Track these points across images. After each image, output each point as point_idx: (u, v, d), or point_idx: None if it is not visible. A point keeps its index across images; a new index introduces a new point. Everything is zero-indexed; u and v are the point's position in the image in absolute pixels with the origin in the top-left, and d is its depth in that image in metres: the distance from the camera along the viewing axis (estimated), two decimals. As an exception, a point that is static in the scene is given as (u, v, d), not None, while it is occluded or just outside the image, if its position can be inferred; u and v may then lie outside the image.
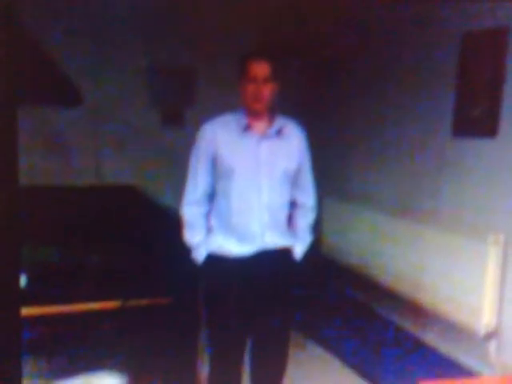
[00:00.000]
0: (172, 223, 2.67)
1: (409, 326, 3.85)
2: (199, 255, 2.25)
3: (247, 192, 2.19)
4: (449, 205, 3.61)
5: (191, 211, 2.27)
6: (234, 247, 2.22)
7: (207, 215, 2.29)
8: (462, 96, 3.49)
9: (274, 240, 2.25)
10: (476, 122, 3.39)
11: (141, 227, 3.05)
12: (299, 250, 2.33)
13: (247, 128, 2.21)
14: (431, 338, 3.65)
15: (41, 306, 2.37)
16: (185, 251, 2.31)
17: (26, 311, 2.30)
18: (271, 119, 2.26)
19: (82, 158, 4.64)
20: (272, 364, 2.40)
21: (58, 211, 3.17)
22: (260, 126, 2.23)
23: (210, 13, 4.52)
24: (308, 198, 2.39)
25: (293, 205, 2.37)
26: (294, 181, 2.31)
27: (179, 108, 4.98)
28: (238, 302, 2.23)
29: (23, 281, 2.33)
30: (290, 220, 2.39)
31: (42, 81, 4.55)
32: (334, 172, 4.64)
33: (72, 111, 4.62)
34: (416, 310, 3.71)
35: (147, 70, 4.81)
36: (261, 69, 2.15)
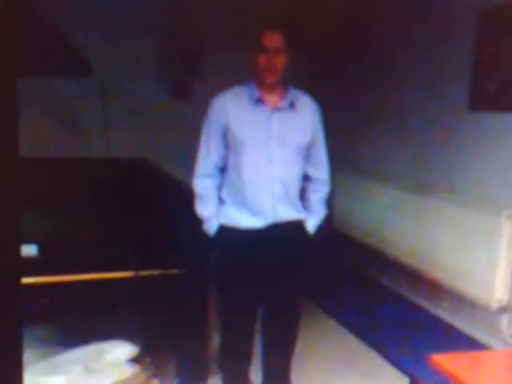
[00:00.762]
0: (183, 195, 2.66)
1: (421, 300, 3.86)
2: (211, 227, 2.25)
3: (258, 165, 2.18)
4: (464, 179, 3.57)
5: (203, 183, 2.26)
6: (246, 220, 2.21)
7: (219, 187, 2.28)
8: (478, 71, 3.43)
9: (285, 213, 2.23)
10: (493, 96, 3.34)
11: (153, 199, 3.05)
12: (312, 223, 2.32)
13: (259, 100, 2.18)
14: (444, 312, 3.65)
15: (53, 274, 2.38)
16: (196, 223, 2.31)
17: (38, 279, 2.35)
18: (284, 92, 2.22)
19: (92, 131, 4.64)
20: (284, 333, 2.41)
21: (71, 183, 3.18)
22: (272, 98, 2.20)
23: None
24: (321, 171, 2.37)
25: (306, 178, 2.36)
26: (306, 154, 2.29)
27: (188, 80, 4.94)
28: (249, 272, 2.22)
29: (35, 249, 2.35)
30: (304, 193, 2.37)
31: (53, 52, 4.53)
32: (347, 146, 4.60)
33: (82, 84, 4.60)
34: (428, 285, 3.71)
35: (156, 43, 4.76)
36: (273, 39, 2.12)
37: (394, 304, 3.92)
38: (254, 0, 4.36)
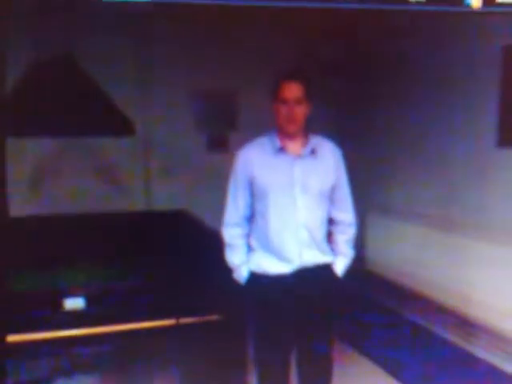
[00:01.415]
0: (221, 245, 2.75)
1: (455, 337, 3.75)
2: (241, 275, 2.32)
3: (283, 212, 2.24)
4: (495, 217, 3.55)
5: (231, 233, 2.35)
6: (273, 266, 2.26)
7: (247, 235, 2.36)
8: (506, 107, 3.46)
9: (312, 258, 2.27)
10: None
11: (191, 248, 3.15)
12: (340, 265, 2.36)
13: (281, 149, 2.26)
14: (478, 349, 3.55)
15: (99, 325, 2.48)
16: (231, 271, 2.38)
17: (85, 331, 2.45)
18: (305, 139, 2.29)
19: (135, 186, 4.84)
20: (318, 376, 2.40)
21: (115, 236, 3.31)
22: (294, 146, 2.28)
23: (249, 36, 4.66)
24: (346, 214, 2.40)
25: (331, 222, 2.40)
26: (331, 198, 2.34)
27: (224, 132, 5.13)
28: (279, 317, 2.26)
29: (82, 302, 2.46)
30: (330, 237, 2.41)
31: (99, 112, 4.82)
32: (375, 187, 4.63)
33: (124, 141, 4.83)
34: (465, 324, 3.63)
35: (191, 97, 4.99)
36: (292, 90, 2.20)
37: (428, 342, 3.83)
38: (283, 48, 4.58)
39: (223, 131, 5.16)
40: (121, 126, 4.89)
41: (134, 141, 4.88)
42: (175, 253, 3.07)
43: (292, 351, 2.36)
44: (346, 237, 2.40)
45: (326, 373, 2.42)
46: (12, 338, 2.34)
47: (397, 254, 4.27)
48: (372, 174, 4.62)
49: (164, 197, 4.80)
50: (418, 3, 2.30)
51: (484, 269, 3.43)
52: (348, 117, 4.81)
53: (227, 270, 2.43)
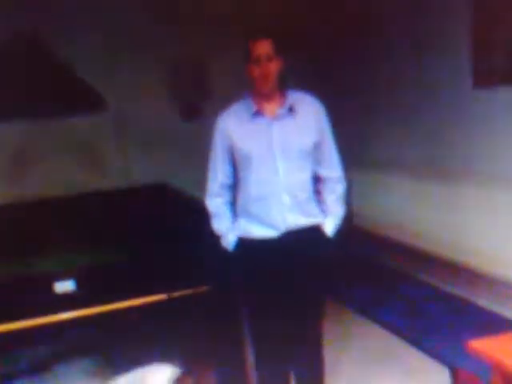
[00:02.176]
0: (202, 213, 2.74)
1: (453, 288, 3.82)
2: (228, 242, 2.32)
3: (264, 177, 2.22)
4: (478, 159, 3.55)
5: (214, 202, 2.34)
6: (258, 231, 2.26)
7: (231, 203, 2.35)
8: (479, 46, 3.40)
9: (297, 221, 2.25)
10: (496, 69, 3.30)
11: (175, 222, 3.14)
12: (329, 225, 2.33)
13: (257, 113, 2.23)
14: (479, 297, 3.60)
15: (90, 307, 2.48)
16: (217, 240, 2.38)
17: (76, 313, 2.45)
18: (282, 98, 2.24)
19: (112, 162, 4.78)
20: (310, 341, 2.42)
21: (98, 215, 3.29)
22: (270, 107, 2.23)
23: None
24: (332, 170, 2.36)
25: (319, 180, 2.36)
26: (315, 156, 2.30)
27: (197, 102, 5.07)
28: (270, 280, 2.26)
29: (72, 284, 2.45)
30: (320, 196, 2.37)
31: (67, 92, 4.72)
32: (357, 141, 4.61)
33: (96, 117, 4.75)
34: (456, 271, 3.70)
35: (165, 68, 4.90)
36: (262, 47, 2.15)
37: (426, 295, 3.90)
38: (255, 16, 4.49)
39: (196, 101, 5.10)
40: (92, 103, 4.81)
41: (106, 117, 4.81)
42: (159, 227, 3.06)
43: (285, 315, 2.34)
44: (334, 195, 2.36)
45: (318, 338, 2.43)
46: (4, 327, 2.33)
47: (382, 206, 4.29)
48: (352, 128, 4.59)
49: (142, 171, 4.76)
50: None
51: (472, 214, 3.46)
52: (327, 70, 4.75)
53: (213, 240, 2.43)
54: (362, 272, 4.36)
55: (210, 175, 2.35)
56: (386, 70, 4.38)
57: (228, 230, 2.32)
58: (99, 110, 4.79)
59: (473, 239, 3.51)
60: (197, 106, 5.10)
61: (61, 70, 4.68)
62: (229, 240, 2.32)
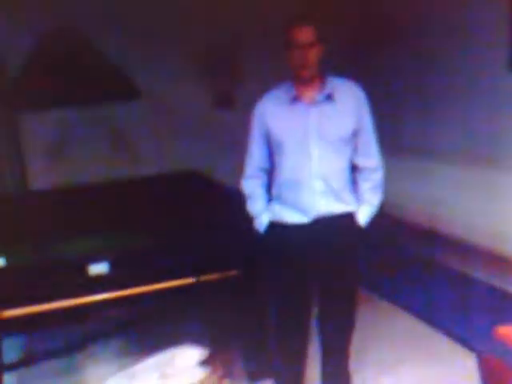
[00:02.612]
0: (233, 200, 2.79)
1: (486, 276, 3.76)
2: (260, 223, 2.35)
3: (298, 162, 2.23)
4: (508, 146, 3.48)
5: (248, 184, 2.38)
6: (290, 216, 2.28)
7: (266, 186, 2.38)
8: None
9: (329, 208, 2.26)
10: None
11: (205, 207, 3.20)
12: (363, 214, 2.32)
13: (295, 98, 2.23)
14: (506, 284, 3.56)
15: (122, 289, 2.57)
16: (248, 225, 2.42)
17: (108, 295, 2.54)
18: (321, 84, 2.24)
19: (145, 149, 4.88)
20: (340, 326, 2.43)
21: (132, 201, 3.38)
22: (309, 93, 2.23)
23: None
24: (370, 159, 2.33)
25: (355, 168, 2.35)
26: (353, 144, 2.28)
27: (229, 88, 5.09)
28: (299, 266, 2.29)
29: (106, 266, 2.54)
30: (355, 183, 2.36)
31: (103, 79, 4.84)
32: (385, 127, 4.57)
33: (131, 105, 4.85)
34: (490, 259, 3.64)
35: (196, 55, 4.94)
36: (304, 33, 2.15)
37: (454, 282, 3.86)
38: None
39: (229, 87, 5.12)
40: (128, 91, 4.92)
41: (141, 105, 4.91)
42: (191, 212, 3.13)
43: (312, 302, 2.38)
44: (369, 184, 2.34)
45: (348, 321, 2.43)
46: (40, 308, 2.43)
47: (413, 193, 4.25)
48: (381, 114, 4.56)
49: (175, 159, 4.83)
50: None
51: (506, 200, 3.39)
52: (357, 58, 4.71)
53: (244, 226, 2.47)
54: (391, 259, 4.33)
55: (247, 158, 2.39)
56: (424, 56, 4.30)
57: (261, 211, 2.35)
58: (134, 98, 4.89)
59: (503, 225, 3.44)
60: (230, 95, 5.13)
61: (97, 57, 4.79)
62: (261, 221, 2.35)
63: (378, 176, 2.35)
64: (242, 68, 5.08)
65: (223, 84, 5.17)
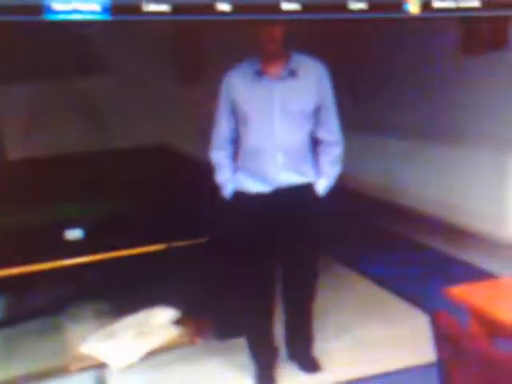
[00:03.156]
0: (201, 171, 2.93)
1: (432, 241, 4.03)
2: (226, 192, 2.49)
3: (261, 135, 2.35)
4: (468, 122, 3.70)
5: (216, 155, 2.50)
6: (253, 186, 2.41)
7: (232, 156, 2.49)
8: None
9: (289, 179, 2.39)
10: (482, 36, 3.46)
11: (175, 178, 3.33)
12: (322, 185, 2.46)
13: (260, 73, 2.34)
14: (461, 251, 3.80)
15: (97, 253, 2.70)
16: (216, 195, 2.57)
17: (84, 259, 2.68)
18: (286, 60, 2.34)
19: (114, 123, 4.95)
20: (303, 291, 2.60)
21: (104, 172, 3.48)
22: (274, 69, 2.33)
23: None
24: (330, 134, 2.46)
25: (316, 142, 2.46)
26: (314, 118, 2.40)
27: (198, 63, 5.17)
28: (262, 234, 2.42)
29: (80, 232, 2.67)
30: (316, 156, 2.48)
31: (70, 52, 4.85)
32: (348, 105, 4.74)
33: (97, 78, 4.89)
34: (442, 227, 3.89)
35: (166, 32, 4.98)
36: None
37: (409, 249, 4.11)
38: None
39: (197, 63, 5.19)
40: (97, 64, 4.94)
41: (108, 78, 4.95)
42: (161, 183, 3.26)
43: (276, 270, 2.52)
44: (329, 157, 2.47)
45: (310, 286, 2.59)
46: (18, 270, 2.55)
47: (371, 168, 4.48)
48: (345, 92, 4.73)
49: (143, 132, 4.92)
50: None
51: (460, 174, 3.64)
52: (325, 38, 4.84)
53: (211, 196, 2.62)
54: (352, 229, 4.52)
55: (214, 130, 2.49)
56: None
57: (227, 181, 2.47)
58: (102, 72, 4.93)
59: (451, 196, 3.72)
60: (198, 70, 5.19)
61: (68, 31, 4.79)
62: (227, 190, 2.47)
63: (338, 150, 2.48)
64: (210, 45, 5.15)
65: (191, 60, 5.23)
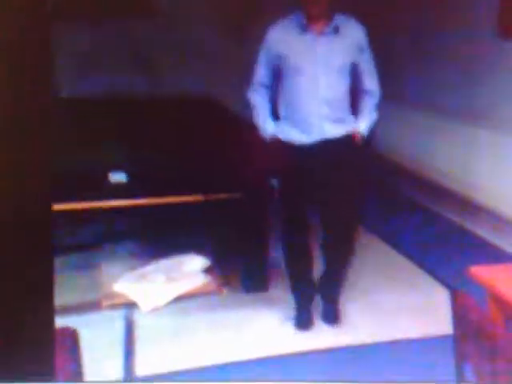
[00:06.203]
0: (242, 126, 3.00)
1: (459, 220, 4.03)
2: (265, 130, 2.57)
3: (306, 87, 2.46)
4: (503, 106, 3.65)
5: (253, 96, 2.60)
6: (296, 136, 2.52)
7: (268, 100, 2.59)
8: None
9: (333, 130, 2.51)
10: None
11: (216, 131, 3.41)
12: (363, 125, 2.56)
13: (305, 28, 2.44)
14: (480, 230, 3.82)
15: (138, 198, 2.83)
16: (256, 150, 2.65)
17: (125, 202, 2.81)
18: (329, 19, 2.44)
19: (164, 70, 5.02)
20: (342, 242, 2.70)
21: (151, 120, 3.58)
22: (318, 25, 2.44)
23: None
24: (370, 83, 2.58)
25: (357, 93, 2.59)
26: (355, 72, 2.53)
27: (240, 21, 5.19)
28: (303, 182, 2.54)
29: (124, 176, 2.80)
30: (356, 108, 2.61)
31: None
32: (388, 76, 4.70)
33: (147, 24, 4.94)
34: (467, 206, 3.93)
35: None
36: None
37: (433, 223, 4.14)
38: None
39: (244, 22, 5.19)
40: (142, 7, 4.99)
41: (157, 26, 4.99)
42: (203, 136, 3.34)
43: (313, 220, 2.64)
44: (370, 102, 2.58)
45: (349, 243, 2.71)
46: (65, 206, 2.70)
47: (407, 141, 4.51)
48: (384, 63, 4.68)
49: (191, 82, 4.98)
50: None
51: (487, 156, 3.65)
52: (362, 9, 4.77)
53: (250, 150, 2.71)
54: (382, 198, 4.55)
55: (253, 76, 2.59)
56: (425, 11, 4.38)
57: (265, 119, 2.57)
58: (155, 17, 4.98)
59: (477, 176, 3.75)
60: (244, 28, 5.19)
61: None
62: (266, 129, 2.56)
63: (375, 99, 2.59)
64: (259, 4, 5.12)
65: (239, 18, 5.24)
